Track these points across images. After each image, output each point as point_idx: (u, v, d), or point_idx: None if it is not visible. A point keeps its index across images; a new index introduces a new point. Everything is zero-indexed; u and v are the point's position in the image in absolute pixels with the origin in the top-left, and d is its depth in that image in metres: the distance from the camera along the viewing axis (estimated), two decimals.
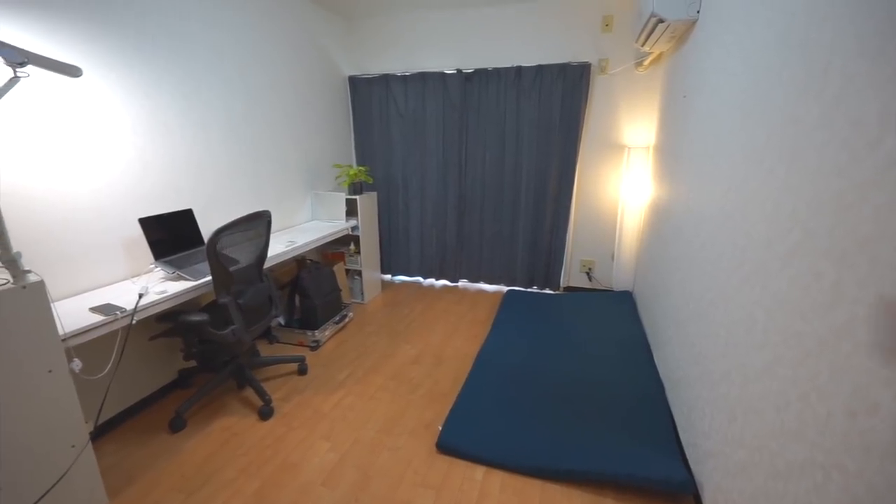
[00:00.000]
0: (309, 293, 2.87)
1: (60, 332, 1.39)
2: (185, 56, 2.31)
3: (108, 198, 1.99)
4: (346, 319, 3.21)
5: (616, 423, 1.97)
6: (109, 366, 1.90)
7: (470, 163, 3.68)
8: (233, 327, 2.01)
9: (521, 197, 3.61)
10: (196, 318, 1.91)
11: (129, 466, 1.83)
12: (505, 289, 3.86)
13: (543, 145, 3.44)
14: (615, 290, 3.60)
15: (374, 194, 3.66)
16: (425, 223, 3.94)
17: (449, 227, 3.87)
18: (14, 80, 1.33)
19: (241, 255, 2.06)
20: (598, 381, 2.31)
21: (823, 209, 0.92)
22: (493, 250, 3.83)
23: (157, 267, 2.08)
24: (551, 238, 3.63)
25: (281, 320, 2.96)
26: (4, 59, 1.30)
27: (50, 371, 1.34)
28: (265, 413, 2.13)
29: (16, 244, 1.36)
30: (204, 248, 2.19)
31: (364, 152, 3.97)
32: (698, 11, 2.07)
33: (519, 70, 3.33)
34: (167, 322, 1.98)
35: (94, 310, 1.66)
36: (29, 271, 1.32)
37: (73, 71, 1.51)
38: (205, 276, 2.01)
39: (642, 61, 3.08)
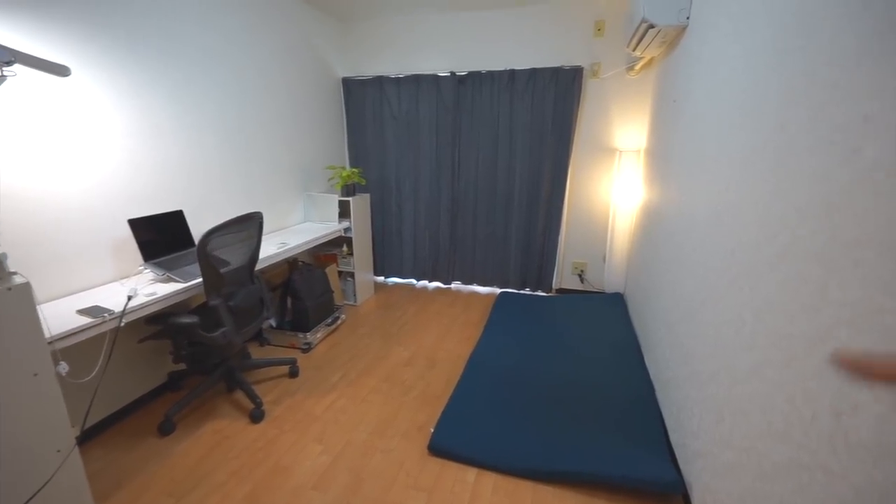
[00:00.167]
0: (301, 295, 2.86)
1: (46, 334, 1.37)
2: (179, 57, 2.30)
3: (97, 198, 1.97)
4: (339, 321, 3.19)
5: (607, 424, 1.99)
6: (97, 369, 1.87)
7: (463, 165, 3.69)
8: (223, 329, 2.00)
9: (514, 199, 3.62)
10: (186, 320, 1.89)
11: (116, 471, 1.81)
12: (498, 291, 3.87)
13: (536, 148, 3.46)
14: (607, 291, 3.63)
15: (367, 196, 3.65)
16: (418, 225, 3.94)
17: (442, 229, 3.87)
18: (0, 79, 1.31)
19: (233, 257, 2.05)
20: (590, 382, 2.32)
21: (810, 213, 0.93)
22: (486, 252, 3.84)
23: (146, 269, 2.06)
24: (544, 240, 3.65)
25: (272, 322, 2.94)
26: None
27: (35, 374, 1.31)
28: (256, 416, 2.12)
29: (1, 245, 1.34)
30: (194, 249, 2.17)
31: (357, 154, 3.97)
32: (688, 18, 2.09)
33: (512, 73, 3.35)
34: (156, 324, 1.96)
35: (82, 312, 1.64)
36: (14, 273, 1.30)
37: (61, 70, 1.49)
38: (195, 278, 1.99)
39: (633, 66, 3.11)
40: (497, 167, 3.60)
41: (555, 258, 3.67)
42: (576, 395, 2.22)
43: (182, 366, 2.37)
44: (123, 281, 2.04)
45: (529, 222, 3.64)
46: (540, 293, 3.78)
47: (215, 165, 2.61)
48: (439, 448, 1.89)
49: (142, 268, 2.07)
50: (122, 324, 1.67)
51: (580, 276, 3.75)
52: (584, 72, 3.27)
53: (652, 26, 2.16)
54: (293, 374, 2.53)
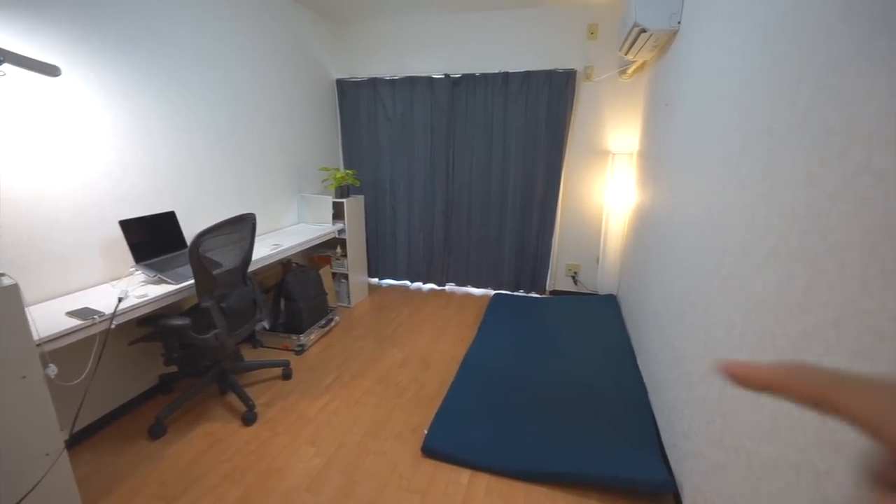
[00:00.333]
0: (294, 297, 2.85)
1: (35, 336, 1.35)
2: (171, 58, 2.29)
3: (87, 198, 1.95)
4: (332, 323, 3.18)
5: (600, 425, 2.00)
6: (87, 371, 1.85)
7: (457, 167, 3.70)
8: (215, 331, 1.98)
9: (508, 201, 3.64)
10: (177, 322, 1.88)
11: (106, 475, 1.79)
12: (492, 292, 3.87)
13: (530, 150, 3.48)
14: (600, 293, 3.65)
15: (361, 198, 3.65)
16: (413, 227, 3.94)
17: (436, 231, 3.88)
18: None
19: (225, 259, 2.04)
20: (583, 384, 2.33)
21: (797, 215, 0.95)
22: (480, 254, 3.84)
23: (137, 270, 2.04)
24: (538, 242, 3.66)
25: (266, 324, 2.93)
26: None
27: (23, 377, 1.30)
28: (248, 418, 2.10)
29: None
30: (186, 251, 2.16)
31: (351, 155, 3.97)
32: (679, 22, 2.12)
33: (506, 76, 3.36)
34: (148, 326, 1.94)
35: (72, 314, 1.62)
36: (2, 274, 1.28)
37: (51, 70, 1.48)
38: (187, 280, 1.98)
39: (626, 69, 3.14)
40: (491, 169, 3.61)
41: (548, 260, 3.68)
42: (569, 396, 2.23)
43: (173, 368, 2.36)
44: (114, 282, 2.02)
45: (523, 224, 3.65)
46: (534, 295, 3.79)
47: (207, 166, 2.60)
48: (433, 450, 1.89)
49: (133, 269, 2.06)
50: (113, 326, 1.65)
51: (574, 277, 3.77)
52: (578, 75, 3.29)
53: (644, 30, 2.19)
54: (286, 376, 2.52)
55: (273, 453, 1.91)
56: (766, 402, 1.01)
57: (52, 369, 1.40)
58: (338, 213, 3.44)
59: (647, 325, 2.35)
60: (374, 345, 2.94)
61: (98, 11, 1.92)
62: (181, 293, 1.96)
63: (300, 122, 3.44)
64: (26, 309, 1.30)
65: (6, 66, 1.31)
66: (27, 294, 1.55)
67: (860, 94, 0.77)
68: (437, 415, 2.10)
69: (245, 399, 2.15)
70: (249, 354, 2.80)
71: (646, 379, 2.29)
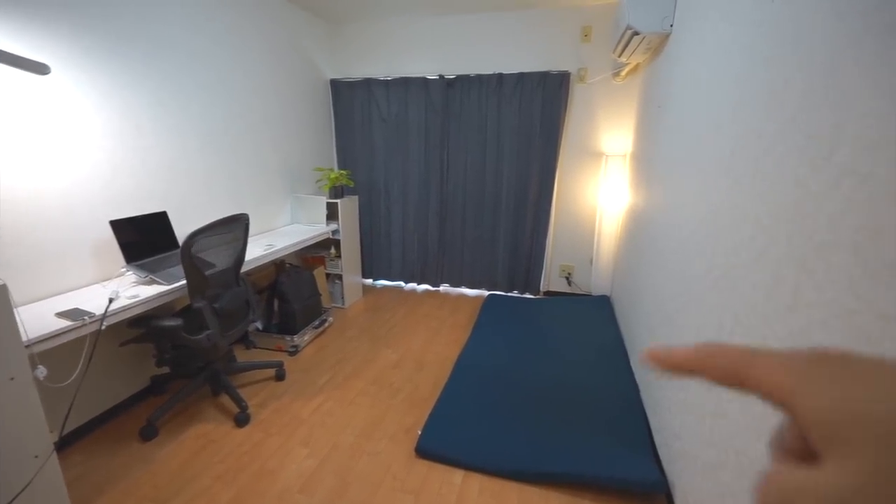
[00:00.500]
0: (288, 297, 2.84)
1: (24, 337, 1.34)
2: (163, 59, 2.27)
3: (76, 198, 1.93)
4: (326, 324, 3.17)
5: (594, 425, 2.01)
6: (77, 373, 1.83)
7: (452, 168, 3.71)
8: (208, 332, 1.97)
9: (502, 202, 3.65)
10: (169, 323, 1.87)
11: (97, 477, 1.77)
12: (486, 293, 3.88)
13: (524, 151, 3.49)
14: (594, 294, 3.67)
15: (355, 198, 3.64)
16: (407, 227, 3.94)
17: (430, 232, 3.88)
18: None
19: (218, 259, 2.03)
20: (577, 384, 2.34)
21: (784, 217, 0.96)
22: (474, 255, 3.85)
23: (128, 270, 2.03)
24: (532, 243, 3.67)
25: (259, 325, 2.92)
26: None
27: (12, 378, 1.28)
28: (241, 419, 2.09)
29: None
30: (178, 251, 2.14)
31: (345, 156, 3.96)
32: (671, 25, 2.14)
33: (500, 77, 3.38)
34: (139, 327, 1.92)
35: (61, 315, 1.60)
36: None
37: (40, 69, 1.46)
38: (179, 280, 1.96)
39: (620, 71, 3.16)
40: (485, 170, 3.62)
41: (542, 261, 3.70)
42: (563, 396, 2.24)
43: (165, 369, 2.34)
44: (105, 283, 2.00)
45: (517, 225, 3.67)
46: (528, 296, 3.80)
47: (200, 166, 2.58)
48: (426, 450, 1.89)
49: (124, 270, 2.04)
50: (104, 327, 1.64)
51: (567, 278, 3.78)
52: (572, 77, 3.31)
53: (637, 33, 2.21)
54: (280, 377, 2.51)
55: (266, 454, 1.91)
56: (754, 401, 1.02)
57: (42, 371, 1.39)
58: (332, 214, 3.43)
59: (639, 327, 2.37)
60: (368, 346, 2.93)
61: (90, 11, 1.91)
62: (173, 294, 1.94)
63: (294, 122, 3.43)
64: (15, 310, 1.28)
65: None
66: (16, 295, 1.52)
67: (845, 97, 0.78)
68: (431, 415, 2.10)
69: (238, 400, 2.14)
70: (242, 355, 2.78)
71: (638, 379, 2.30)
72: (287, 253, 2.85)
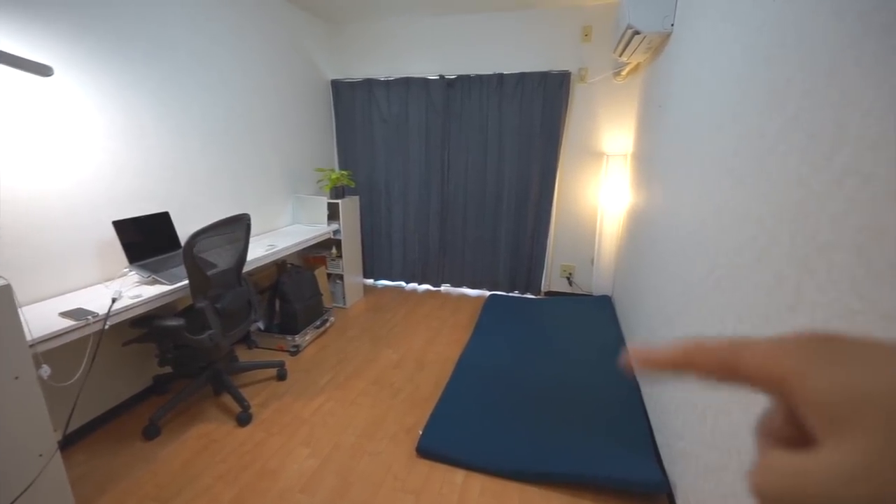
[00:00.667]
0: (289, 297, 2.84)
1: (28, 337, 1.34)
2: (165, 59, 2.28)
3: (80, 199, 1.94)
4: (328, 324, 3.18)
5: (595, 425, 2.01)
6: (80, 372, 1.84)
7: (452, 168, 3.71)
8: (210, 332, 1.98)
9: (503, 202, 3.65)
10: (172, 322, 1.87)
11: (100, 476, 1.78)
12: (487, 293, 3.88)
13: (525, 151, 3.49)
14: (595, 294, 3.67)
15: (356, 198, 3.65)
16: (408, 228, 3.94)
17: (431, 232, 3.88)
18: None
19: (220, 259, 2.03)
20: (578, 384, 2.35)
21: (786, 217, 0.96)
22: (475, 255, 3.85)
23: (131, 271, 2.03)
24: (533, 243, 3.67)
25: (260, 325, 2.92)
26: None
27: (16, 378, 1.29)
28: (243, 419, 2.10)
29: None
30: (181, 251, 2.15)
31: (346, 156, 3.96)
32: (672, 25, 2.14)
33: (501, 77, 3.38)
34: (142, 327, 1.93)
35: (65, 314, 1.61)
36: None
37: (43, 70, 1.47)
38: (181, 280, 1.97)
39: (620, 71, 3.16)
40: (486, 170, 3.62)
41: (543, 261, 3.70)
42: (564, 396, 2.24)
43: (168, 369, 2.34)
44: (108, 283, 2.01)
45: (518, 225, 3.67)
46: (529, 296, 3.80)
47: (202, 167, 2.59)
48: (427, 450, 1.90)
49: (127, 270, 2.05)
50: (107, 326, 1.64)
51: (568, 278, 3.78)
52: (572, 76, 3.31)
53: (637, 32, 2.20)
54: (281, 377, 2.51)
55: (268, 454, 1.91)
56: (757, 401, 1.02)
57: (46, 370, 1.39)
58: (333, 214, 3.43)
59: (640, 327, 2.37)
60: (369, 345, 2.94)
61: (91, 11, 1.91)
62: (175, 294, 1.95)
63: (295, 122, 3.43)
64: (19, 309, 1.29)
65: None
66: (20, 294, 1.53)
67: (846, 97, 0.78)
68: (432, 415, 2.10)
69: (240, 400, 2.14)
70: (244, 355, 2.79)
71: (639, 379, 2.30)
72: (288, 253, 2.85)
